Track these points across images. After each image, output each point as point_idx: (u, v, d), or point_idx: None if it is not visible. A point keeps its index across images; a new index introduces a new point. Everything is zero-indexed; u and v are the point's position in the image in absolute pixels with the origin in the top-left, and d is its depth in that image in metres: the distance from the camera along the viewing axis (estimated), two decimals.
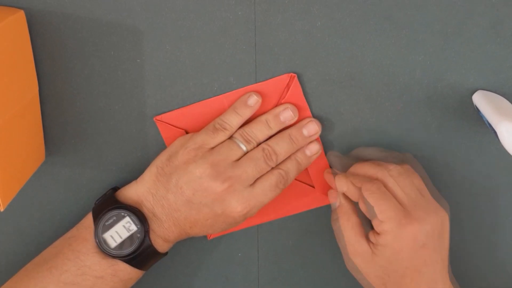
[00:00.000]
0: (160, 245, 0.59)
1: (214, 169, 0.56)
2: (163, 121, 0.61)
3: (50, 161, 0.63)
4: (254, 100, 0.59)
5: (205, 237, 0.65)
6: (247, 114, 0.59)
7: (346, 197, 0.61)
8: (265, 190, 0.58)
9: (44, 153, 0.62)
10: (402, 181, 0.57)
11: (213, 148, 0.58)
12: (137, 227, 0.57)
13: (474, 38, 0.58)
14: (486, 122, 0.56)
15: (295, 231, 0.66)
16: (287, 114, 0.59)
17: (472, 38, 0.58)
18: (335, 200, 0.61)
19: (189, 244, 0.66)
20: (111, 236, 0.57)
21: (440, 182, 0.63)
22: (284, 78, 0.59)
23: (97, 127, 0.62)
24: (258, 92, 0.60)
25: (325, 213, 0.64)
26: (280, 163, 0.59)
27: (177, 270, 0.67)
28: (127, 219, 0.57)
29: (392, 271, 0.57)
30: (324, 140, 0.62)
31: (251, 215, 0.59)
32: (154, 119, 0.61)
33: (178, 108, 0.60)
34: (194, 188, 0.57)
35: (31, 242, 0.65)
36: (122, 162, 0.63)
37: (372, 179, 0.58)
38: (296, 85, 0.59)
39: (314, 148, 0.61)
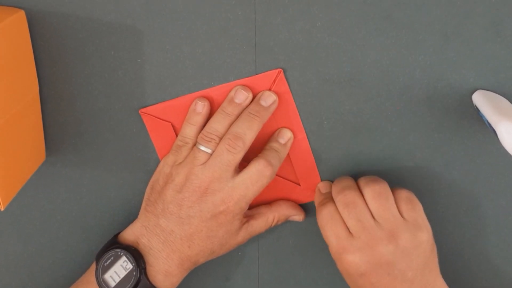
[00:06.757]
0: (161, 281, 0.58)
1: (188, 179, 0.57)
2: (148, 114, 0.61)
3: (50, 161, 0.63)
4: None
5: None
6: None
7: None
8: (245, 181, 0.57)
9: (44, 153, 0.62)
10: (357, 206, 0.57)
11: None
12: (133, 265, 0.57)
13: (474, 38, 0.58)
14: (486, 122, 0.56)
15: (295, 231, 0.66)
16: (240, 95, 0.58)
17: (472, 38, 0.58)
18: None
19: None
20: (111, 277, 0.57)
21: (440, 182, 0.63)
22: (271, 73, 0.59)
23: (97, 127, 0.61)
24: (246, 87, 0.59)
25: None
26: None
27: None
28: (124, 258, 0.57)
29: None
30: (324, 140, 0.62)
31: (241, 208, 0.58)
32: (139, 111, 0.60)
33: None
34: (178, 203, 0.57)
35: (31, 242, 0.65)
36: (122, 162, 0.63)
37: (329, 200, 0.59)
38: (282, 79, 0.59)
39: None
